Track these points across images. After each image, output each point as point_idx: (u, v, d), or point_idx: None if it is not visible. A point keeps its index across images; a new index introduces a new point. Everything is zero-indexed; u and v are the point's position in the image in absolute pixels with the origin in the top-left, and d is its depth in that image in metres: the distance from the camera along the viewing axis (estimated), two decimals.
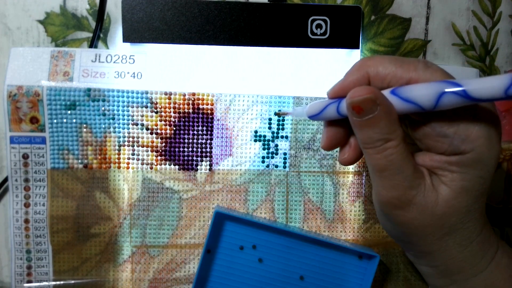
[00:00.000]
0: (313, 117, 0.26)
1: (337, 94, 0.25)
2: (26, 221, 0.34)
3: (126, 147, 0.34)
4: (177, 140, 0.34)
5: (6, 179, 0.34)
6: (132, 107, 0.34)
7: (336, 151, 0.35)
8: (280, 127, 0.35)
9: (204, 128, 0.35)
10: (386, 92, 0.23)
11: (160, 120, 0.34)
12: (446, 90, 0.21)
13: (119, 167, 0.34)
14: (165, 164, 0.34)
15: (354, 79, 0.24)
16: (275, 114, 0.34)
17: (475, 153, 0.22)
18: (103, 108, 0.34)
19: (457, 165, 0.23)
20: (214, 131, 0.35)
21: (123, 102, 0.34)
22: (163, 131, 0.34)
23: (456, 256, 0.25)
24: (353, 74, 0.24)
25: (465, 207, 0.24)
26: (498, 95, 0.19)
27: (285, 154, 0.35)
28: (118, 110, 0.34)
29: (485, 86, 0.20)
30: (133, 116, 0.34)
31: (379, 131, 0.23)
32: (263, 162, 0.35)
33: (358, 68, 0.24)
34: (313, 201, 0.35)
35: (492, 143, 0.22)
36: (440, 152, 0.23)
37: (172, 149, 0.34)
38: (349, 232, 0.36)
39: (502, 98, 0.19)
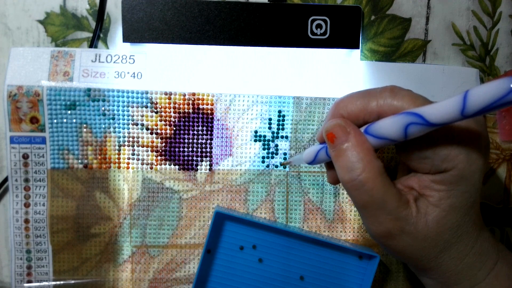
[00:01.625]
0: (310, 163, 0.28)
1: (322, 139, 0.26)
2: (26, 221, 0.34)
3: (126, 147, 0.34)
4: (177, 140, 0.34)
5: (6, 179, 0.34)
6: (132, 107, 0.34)
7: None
8: (280, 127, 0.35)
9: (204, 128, 0.35)
10: (360, 131, 0.24)
11: (160, 120, 0.34)
12: (410, 121, 0.21)
13: (119, 167, 0.34)
14: (165, 164, 0.34)
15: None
16: (280, 164, 0.35)
17: (457, 170, 0.23)
18: (103, 108, 0.34)
19: (442, 183, 0.23)
20: (214, 131, 0.35)
21: (123, 102, 0.34)
22: (163, 131, 0.34)
23: (453, 269, 0.25)
24: (330, 118, 0.25)
25: (456, 223, 0.24)
26: (456, 117, 0.20)
27: (285, 154, 0.35)
28: (118, 110, 0.34)
29: (442, 111, 0.20)
30: (133, 116, 0.34)
31: (353, 160, 0.23)
32: (263, 162, 0.35)
33: (333, 113, 0.25)
34: (313, 201, 0.35)
35: (472, 158, 0.23)
36: (426, 172, 0.24)
37: (172, 149, 0.34)
38: (349, 232, 0.36)
39: (460, 119, 0.20)
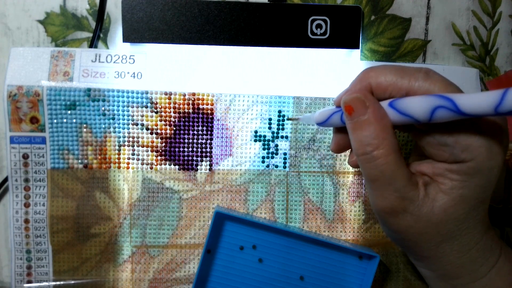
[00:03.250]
0: (320, 124, 0.27)
1: (339, 104, 0.26)
2: (26, 221, 0.34)
3: (126, 147, 0.34)
4: (177, 140, 0.34)
5: (6, 179, 0.34)
6: (132, 107, 0.34)
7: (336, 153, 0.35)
8: (280, 127, 0.35)
9: (204, 128, 0.35)
10: (384, 104, 0.24)
11: (160, 120, 0.34)
12: (439, 105, 0.21)
13: (119, 167, 0.34)
14: (165, 164, 0.34)
15: (357, 89, 0.25)
16: (287, 119, 0.34)
17: (475, 162, 0.22)
18: (103, 108, 0.34)
19: (458, 173, 0.23)
20: (214, 131, 0.35)
21: (123, 102, 0.34)
22: (163, 131, 0.34)
23: (454, 262, 0.25)
24: (356, 85, 0.25)
25: (463, 215, 0.24)
26: (488, 112, 0.20)
27: (285, 154, 0.35)
28: (118, 110, 0.34)
29: (476, 102, 0.20)
30: (133, 116, 0.34)
31: (369, 135, 0.23)
32: (263, 162, 0.35)
33: (360, 79, 0.25)
34: (313, 201, 0.35)
35: (492, 153, 0.23)
36: (442, 160, 0.24)
37: (172, 149, 0.34)
38: (349, 232, 0.36)
39: (492, 115, 0.20)
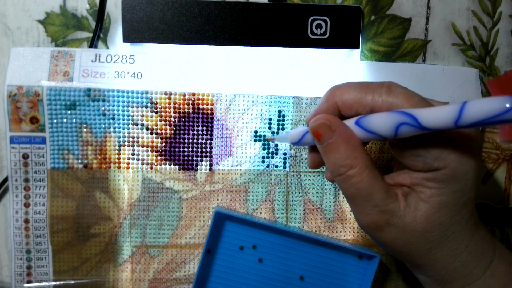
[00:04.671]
0: (295, 143, 0.28)
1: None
2: (26, 221, 0.34)
3: (126, 147, 0.34)
4: (177, 140, 0.34)
5: (6, 179, 0.34)
6: (132, 107, 0.34)
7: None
8: (280, 127, 0.35)
9: (204, 128, 0.35)
10: (351, 122, 0.24)
11: (160, 120, 0.34)
12: (402, 121, 0.22)
13: (119, 167, 0.34)
14: (165, 164, 0.34)
15: (324, 108, 0.25)
16: (264, 139, 0.35)
17: (449, 169, 0.23)
18: (103, 108, 0.34)
19: (434, 181, 0.24)
20: (214, 131, 0.35)
21: (123, 102, 0.34)
22: (163, 131, 0.34)
23: (447, 267, 0.26)
24: (323, 104, 0.26)
25: (446, 220, 0.24)
26: (449, 126, 0.20)
27: (285, 154, 0.35)
28: (118, 110, 0.34)
29: (437, 117, 0.20)
30: (133, 116, 0.34)
31: (340, 157, 0.24)
32: (263, 162, 0.35)
33: (327, 98, 0.25)
34: (313, 201, 0.35)
35: (465, 158, 0.23)
36: (418, 170, 0.24)
37: (172, 149, 0.34)
38: (349, 232, 0.36)
39: (453, 128, 0.20)
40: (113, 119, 0.34)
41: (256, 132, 0.35)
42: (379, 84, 0.24)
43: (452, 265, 0.25)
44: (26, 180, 0.34)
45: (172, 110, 0.34)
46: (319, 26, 0.33)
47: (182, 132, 0.34)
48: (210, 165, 0.35)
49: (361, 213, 0.25)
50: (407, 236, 0.24)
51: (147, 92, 0.34)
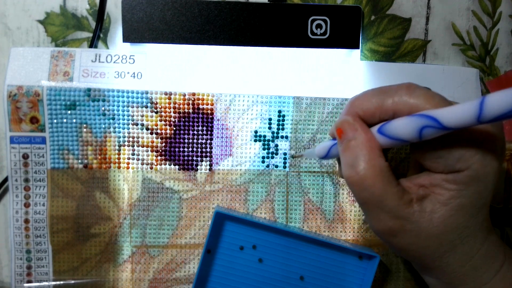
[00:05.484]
0: (323, 157, 0.28)
1: (334, 135, 0.26)
2: (26, 221, 0.34)
3: (126, 147, 0.34)
4: (177, 140, 0.34)
5: (6, 179, 0.34)
6: (132, 107, 0.34)
7: None
8: (280, 127, 0.35)
9: (204, 128, 0.35)
10: (374, 130, 0.24)
11: (160, 120, 0.34)
12: (425, 124, 0.21)
13: (119, 167, 0.34)
14: (165, 164, 0.34)
15: None
16: (291, 156, 0.35)
17: (471, 170, 0.23)
18: (103, 108, 0.34)
19: (454, 183, 0.23)
20: (214, 131, 0.35)
21: (123, 102, 0.34)
22: (163, 131, 0.34)
23: (457, 270, 0.25)
24: (345, 116, 0.25)
25: (463, 223, 0.24)
26: (472, 123, 0.20)
27: (285, 154, 0.35)
28: (118, 110, 0.34)
29: (458, 116, 0.20)
30: (133, 116, 0.34)
31: (357, 157, 0.23)
32: (263, 162, 0.35)
33: (348, 110, 0.25)
34: (313, 201, 0.35)
35: (487, 160, 0.23)
36: (439, 171, 0.24)
37: (172, 149, 0.34)
38: (349, 232, 0.36)
39: (477, 124, 0.20)
40: (113, 119, 0.34)
41: (256, 132, 0.35)
42: (398, 86, 0.24)
43: (463, 268, 0.25)
44: (26, 180, 0.34)
45: (172, 110, 0.34)
46: (319, 26, 0.33)
47: (182, 132, 0.34)
48: (210, 165, 0.35)
49: (375, 219, 0.24)
50: (421, 241, 0.24)
51: (147, 92, 0.34)
